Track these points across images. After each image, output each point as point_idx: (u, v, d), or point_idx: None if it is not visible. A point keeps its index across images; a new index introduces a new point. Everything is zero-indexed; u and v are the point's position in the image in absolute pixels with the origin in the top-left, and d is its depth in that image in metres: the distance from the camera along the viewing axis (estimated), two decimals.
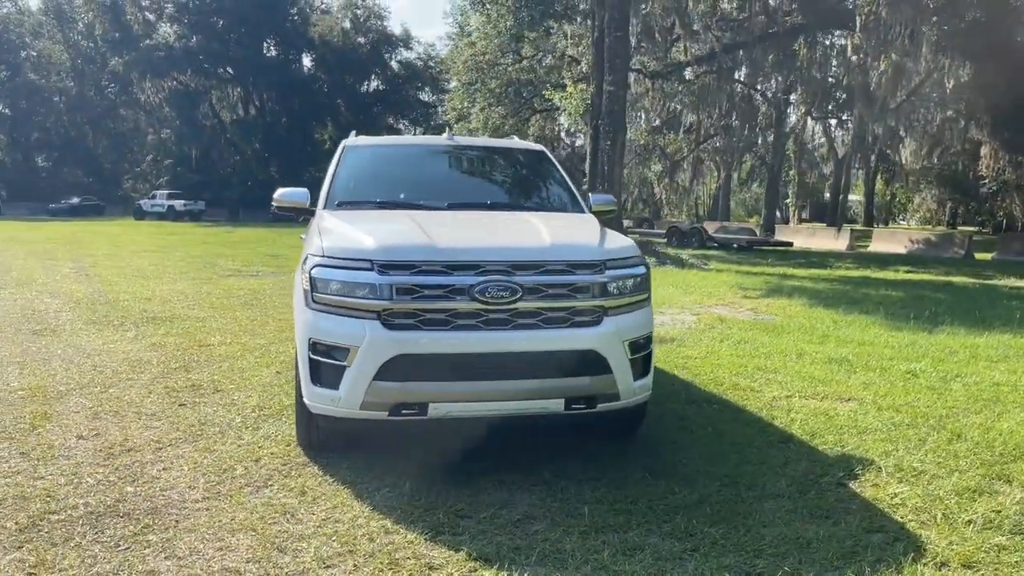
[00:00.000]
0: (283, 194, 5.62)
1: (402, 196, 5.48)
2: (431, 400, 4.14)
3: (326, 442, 4.72)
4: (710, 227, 31.82)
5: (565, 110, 22.62)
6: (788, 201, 34.27)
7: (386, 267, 4.16)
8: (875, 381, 6.94)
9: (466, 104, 31.95)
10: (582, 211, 5.74)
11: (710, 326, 9.88)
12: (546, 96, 25.44)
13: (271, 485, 4.21)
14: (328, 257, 4.30)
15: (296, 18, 59.12)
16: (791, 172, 32.09)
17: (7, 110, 72.25)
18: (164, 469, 4.39)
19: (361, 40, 60.49)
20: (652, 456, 4.83)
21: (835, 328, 9.92)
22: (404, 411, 4.16)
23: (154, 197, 53.10)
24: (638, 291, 4.59)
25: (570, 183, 5.98)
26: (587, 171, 21.82)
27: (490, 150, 6.59)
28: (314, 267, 4.30)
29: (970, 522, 3.96)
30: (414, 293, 4.12)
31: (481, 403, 4.21)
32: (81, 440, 4.82)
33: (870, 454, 4.94)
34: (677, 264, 18.90)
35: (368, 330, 4.10)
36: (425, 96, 66.80)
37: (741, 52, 27.77)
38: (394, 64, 64.42)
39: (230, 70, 57.63)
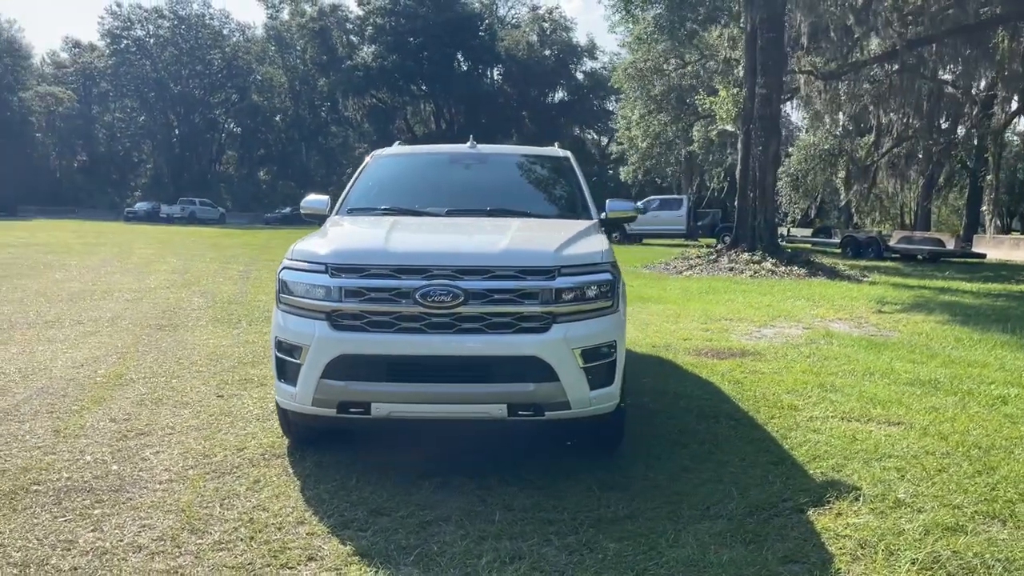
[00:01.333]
0: (307, 201, 6.02)
1: (407, 203, 5.70)
2: (373, 400, 4.31)
3: (304, 435, 5.03)
4: (895, 236, 29.57)
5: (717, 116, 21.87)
6: (984, 208, 31.06)
7: (338, 270, 4.39)
8: (947, 405, 6.31)
9: (627, 111, 31.70)
10: (589, 217, 5.70)
11: (810, 341, 9.31)
12: (697, 101, 24.72)
13: (233, 473, 4.55)
14: (293, 260, 4.60)
15: (484, 34, 61.31)
16: (988, 177, 29.12)
17: (237, 129, 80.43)
18: (157, 452, 4.87)
19: (547, 52, 61.69)
20: (620, 469, 4.71)
21: (954, 347, 9.03)
22: (351, 409, 4.35)
23: None
24: (600, 299, 4.51)
25: (584, 189, 5.94)
26: (738, 178, 21.04)
27: (508, 157, 6.68)
28: (282, 269, 4.62)
29: (915, 561, 3.58)
30: (362, 295, 4.31)
31: (422, 405, 4.34)
32: (111, 423, 5.43)
33: (863, 481, 4.54)
34: (829, 275, 17.78)
35: (317, 330, 4.34)
36: (610, 105, 66.91)
37: (934, 47, 25.64)
38: (579, 74, 65.10)
39: (423, 87, 60.75)
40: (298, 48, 69.97)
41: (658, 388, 6.76)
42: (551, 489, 4.36)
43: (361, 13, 60.61)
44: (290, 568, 3.42)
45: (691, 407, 6.13)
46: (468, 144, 6.48)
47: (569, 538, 3.75)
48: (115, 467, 4.58)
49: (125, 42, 73.44)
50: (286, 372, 4.51)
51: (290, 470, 4.62)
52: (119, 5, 74.35)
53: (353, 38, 61.58)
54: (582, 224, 5.44)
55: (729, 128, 22.99)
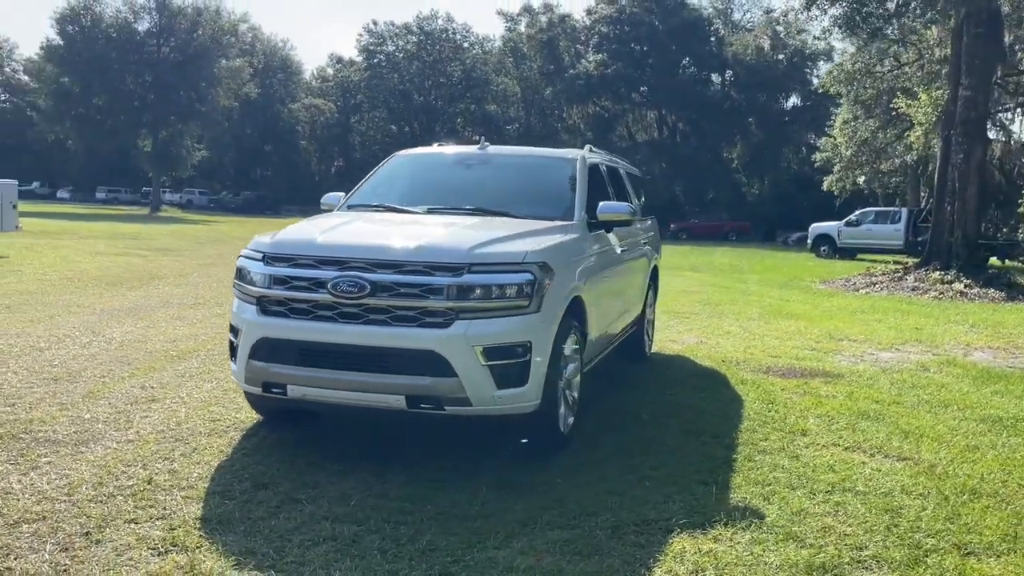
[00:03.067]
0: (326, 198, 6.43)
1: (395, 200, 5.95)
2: (289, 382, 4.61)
3: (271, 413, 5.42)
4: None
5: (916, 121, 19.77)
6: None
7: (271, 259, 4.75)
8: (992, 446, 5.51)
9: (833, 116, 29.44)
10: (571, 219, 5.63)
11: (921, 368, 8.38)
12: (895, 104, 22.43)
13: (184, 440, 5.00)
14: (248, 248, 5.03)
15: (712, 39, 59.81)
16: None
17: (476, 137, 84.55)
18: (145, 417, 5.43)
19: (779, 56, 58.95)
20: (535, 472, 4.63)
21: None
22: (273, 389, 4.69)
23: None
24: (514, 298, 4.50)
25: (578, 191, 5.84)
26: (935, 189, 18.94)
27: (514, 159, 6.70)
28: (239, 258, 5.06)
29: None
30: (286, 283, 4.63)
31: (330, 391, 4.57)
32: (140, 391, 6.11)
33: (781, 512, 4.15)
34: None
35: (249, 314, 4.74)
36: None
37: None
38: (814, 79, 61.51)
39: (645, 94, 60.45)
40: (529, 59, 72.43)
41: (671, 400, 6.49)
42: (439, 483, 4.40)
43: (588, 23, 61.53)
44: (135, 523, 3.78)
45: (682, 421, 5.84)
46: (478, 146, 6.61)
47: (401, 528, 3.80)
48: (100, 427, 5.23)
49: (378, 57, 79.90)
50: (232, 352, 4.95)
51: (235, 445, 5.02)
52: (375, 23, 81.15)
53: (579, 47, 62.65)
54: (554, 225, 5.40)
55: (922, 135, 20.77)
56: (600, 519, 3.97)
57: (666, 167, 57.69)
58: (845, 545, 3.78)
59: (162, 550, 3.52)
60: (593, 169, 6.37)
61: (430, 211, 5.73)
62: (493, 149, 6.55)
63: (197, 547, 3.55)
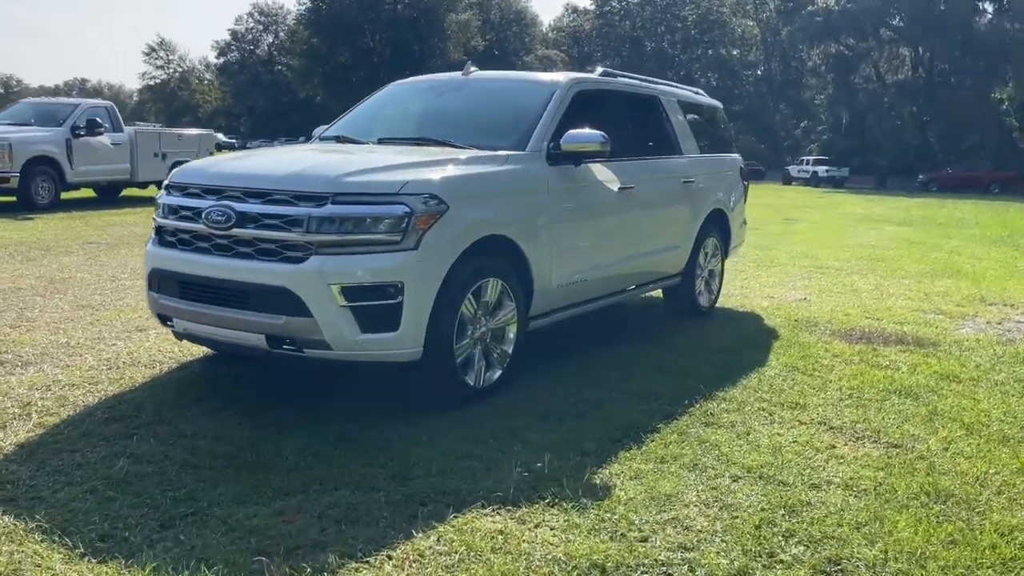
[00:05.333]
0: (316, 131, 6.23)
1: (354, 132, 5.64)
2: (174, 315, 4.51)
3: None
4: None
5: None
6: None
7: (169, 188, 4.65)
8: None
9: None
10: (521, 149, 4.99)
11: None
12: None
13: (115, 367, 5.12)
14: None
15: None
16: None
17: (714, 82, 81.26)
18: (112, 346, 5.62)
19: None
20: (449, 431, 4.21)
21: None
22: (167, 322, 4.63)
23: (802, 163, 54.03)
24: (384, 232, 4.06)
25: (543, 120, 5.10)
26: None
27: (490, 83, 5.98)
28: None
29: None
30: (176, 213, 4.52)
31: (203, 326, 4.40)
32: (144, 320, 6.38)
33: (661, 493, 3.43)
34: None
35: (149, 243, 4.70)
36: None
37: None
38: None
39: (897, 28, 54.29)
40: None
41: (667, 360, 5.66)
42: (275, 428, 4.07)
43: None
44: None
45: (643, 384, 5.06)
46: (463, 71, 6.04)
47: (185, 474, 3.56)
48: (65, 352, 5.43)
49: (611, 4, 78.57)
50: None
51: (150, 375, 5.01)
52: None
53: None
54: (492, 155, 4.83)
55: None
56: (402, 487, 3.48)
57: (917, 111, 51.75)
58: (657, 546, 3.02)
59: None
60: (587, 96, 5.60)
61: (380, 142, 5.37)
62: (476, 75, 5.99)
63: None
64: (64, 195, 15.88)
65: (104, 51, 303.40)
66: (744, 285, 9.13)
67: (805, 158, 55.02)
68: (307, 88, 64.11)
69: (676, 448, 3.99)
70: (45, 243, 10.64)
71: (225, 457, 3.74)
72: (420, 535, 3.06)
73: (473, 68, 6.07)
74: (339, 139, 5.62)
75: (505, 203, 4.70)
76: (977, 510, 3.43)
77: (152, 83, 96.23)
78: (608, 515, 3.26)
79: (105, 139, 16.24)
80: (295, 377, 5.08)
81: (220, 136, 22.13)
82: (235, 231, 4.19)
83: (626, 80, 6.41)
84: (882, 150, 52.55)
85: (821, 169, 50.81)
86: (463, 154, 4.80)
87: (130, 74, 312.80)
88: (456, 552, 2.95)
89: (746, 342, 6.33)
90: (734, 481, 3.65)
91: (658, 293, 7.22)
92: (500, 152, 4.90)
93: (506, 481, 3.53)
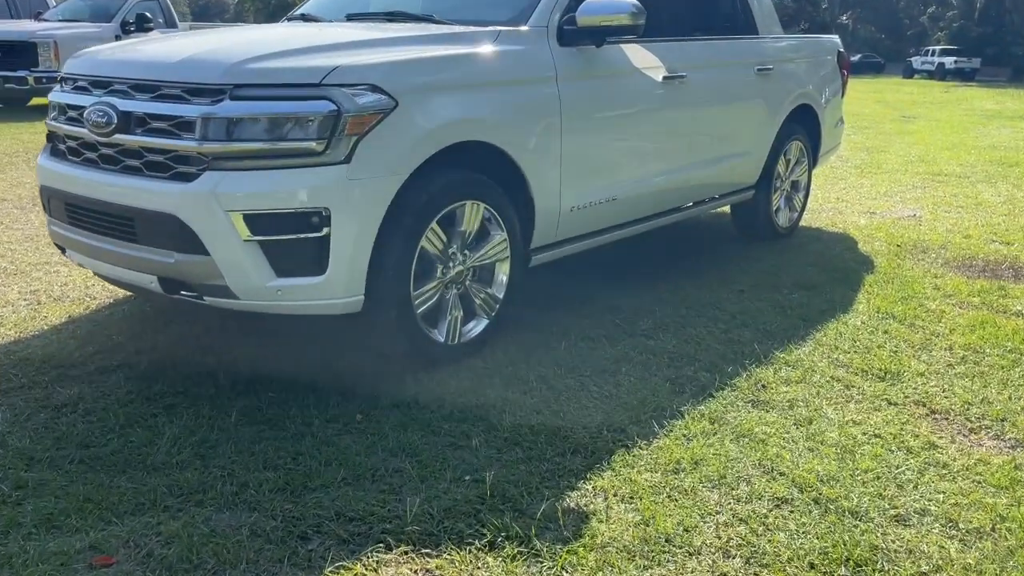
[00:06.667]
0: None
1: (324, 11, 4.42)
2: (67, 245, 3.56)
3: None
4: None
5: None
6: None
7: (62, 80, 3.63)
8: None
9: None
10: (521, 24, 3.70)
11: None
12: None
13: (62, 299, 4.25)
14: None
15: None
16: None
17: None
18: (64, 286, 4.77)
19: None
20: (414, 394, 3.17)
21: None
22: (65, 252, 3.68)
23: (926, 53, 49.21)
24: (301, 139, 2.92)
25: None
26: None
27: None
28: None
29: None
30: (63, 113, 3.49)
31: (94, 261, 3.43)
32: None
33: (648, 484, 2.32)
34: None
35: (40, 154, 3.72)
36: None
37: None
38: None
39: None
40: None
41: (729, 305, 4.41)
42: (256, 420, 3.06)
43: None
44: None
45: (680, 339, 3.85)
46: None
47: (50, 491, 2.64)
48: (23, 295, 4.61)
49: None
50: None
51: (73, 313, 4.10)
52: None
53: None
54: (480, 31, 3.60)
55: None
56: (289, 504, 2.46)
57: None
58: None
59: None
60: None
61: (349, 18, 4.18)
62: None
63: None
64: None
65: None
66: (840, 197, 7.62)
67: (930, 48, 50.03)
68: None
69: (701, 445, 2.83)
70: None
71: (78, 445, 2.78)
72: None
73: None
74: (304, 17, 4.45)
75: (490, 98, 3.47)
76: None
77: None
78: (570, 571, 2.16)
79: (156, 35, 15.46)
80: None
81: None
82: (118, 137, 3.14)
83: None
84: (1022, 38, 47.15)
85: (948, 60, 46.03)
86: (438, 30, 3.58)
87: None
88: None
89: (830, 276, 4.97)
90: (776, 508, 2.48)
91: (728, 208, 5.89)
92: (489, 28, 3.65)
93: (439, 498, 2.46)
